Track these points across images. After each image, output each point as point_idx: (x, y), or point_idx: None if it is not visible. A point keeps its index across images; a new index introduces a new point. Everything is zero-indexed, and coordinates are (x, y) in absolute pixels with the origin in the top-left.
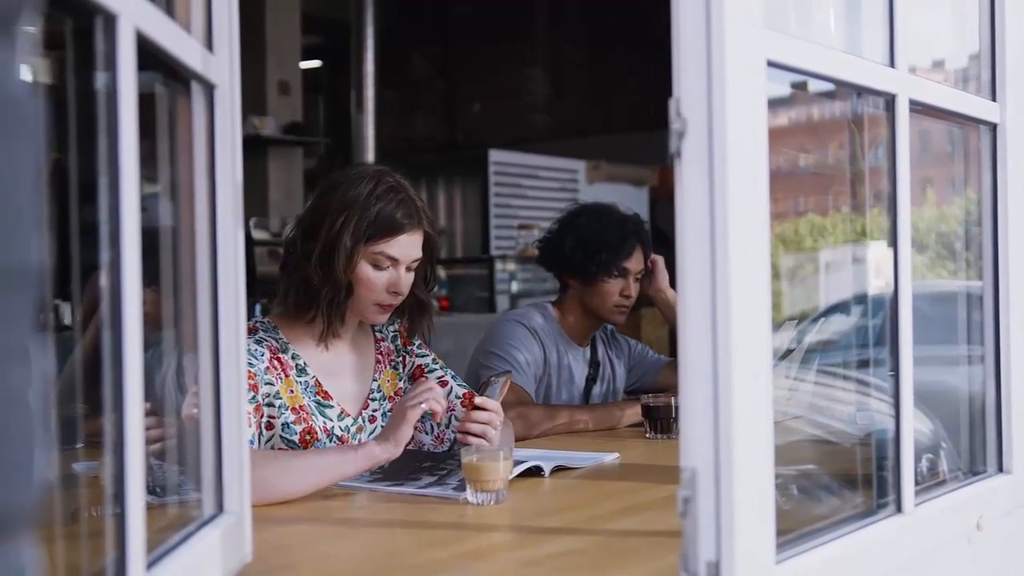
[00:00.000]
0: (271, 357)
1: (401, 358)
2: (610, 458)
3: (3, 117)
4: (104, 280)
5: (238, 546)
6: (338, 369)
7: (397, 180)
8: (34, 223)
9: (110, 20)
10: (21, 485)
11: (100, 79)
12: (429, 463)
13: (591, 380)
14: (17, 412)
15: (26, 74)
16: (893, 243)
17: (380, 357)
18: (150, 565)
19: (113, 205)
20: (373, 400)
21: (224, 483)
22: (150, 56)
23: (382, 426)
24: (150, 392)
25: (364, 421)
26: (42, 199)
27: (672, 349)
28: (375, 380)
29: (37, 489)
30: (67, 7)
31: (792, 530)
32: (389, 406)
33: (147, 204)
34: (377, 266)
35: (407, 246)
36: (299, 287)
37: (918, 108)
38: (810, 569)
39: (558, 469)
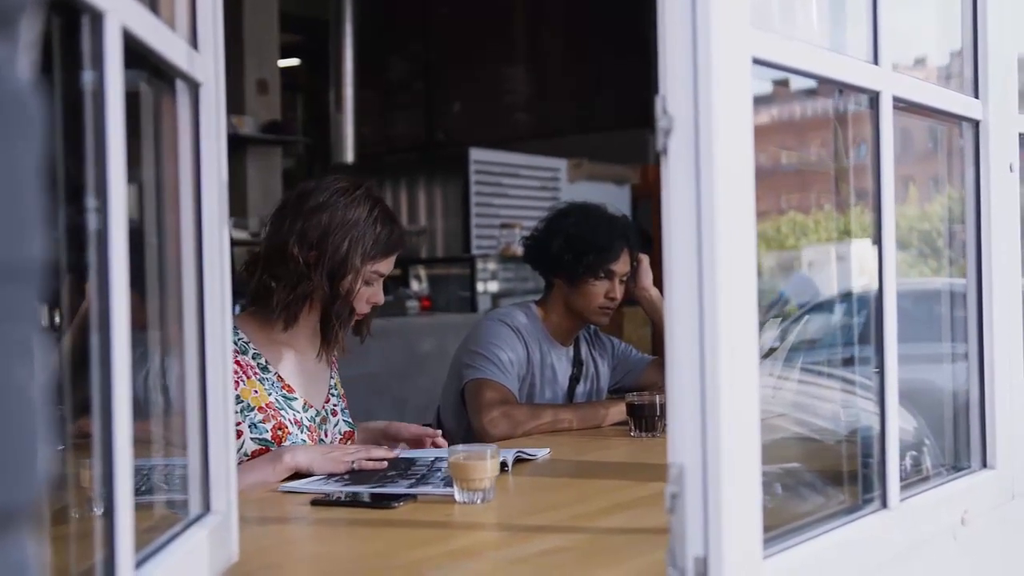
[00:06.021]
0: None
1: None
2: (541, 453)
3: (6, 114)
4: (91, 281)
5: (224, 545)
6: (299, 366)
7: (382, 199)
8: (37, 219)
9: (97, 18)
10: (25, 480)
11: (86, 77)
12: (403, 467)
13: (575, 379)
14: (21, 407)
15: (28, 72)
16: (877, 240)
17: (333, 358)
18: (138, 564)
19: (101, 205)
20: (333, 395)
21: (211, 483)
22: (134, 54)
23: (344, 420)
24: (133, 393)
25: (328, 413)
26: (43, 195)
27: (655, 348)
28: (332, 378)
29: (40, 485)
30: (53, 4)
31: (779, 526)
32: (344, 404)
33: (130, 204)
34: (368, 283)
35: (393, 262)
36: (300, 300)
37: (901, 105)
38: (797, 564)
39: (519, 460)
